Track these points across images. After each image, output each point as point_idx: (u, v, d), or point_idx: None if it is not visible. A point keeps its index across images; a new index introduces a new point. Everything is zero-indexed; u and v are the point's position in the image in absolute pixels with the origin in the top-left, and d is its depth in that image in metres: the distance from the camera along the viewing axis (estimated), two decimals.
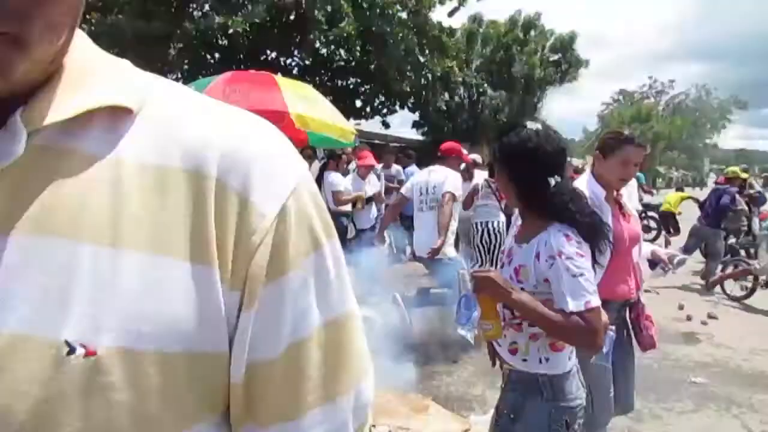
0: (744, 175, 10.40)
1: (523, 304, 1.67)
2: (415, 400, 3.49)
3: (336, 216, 6.88)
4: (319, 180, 7.09)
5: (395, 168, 9.23)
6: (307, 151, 7.33)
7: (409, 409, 3.44)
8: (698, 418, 3.79)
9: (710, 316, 6.29)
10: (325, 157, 8.12)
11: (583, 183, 2.49)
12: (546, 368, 1.70)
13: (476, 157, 8.16)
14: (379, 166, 8.79)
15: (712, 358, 5.02)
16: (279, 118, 6.17)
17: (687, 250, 8.01)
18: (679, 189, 15.36)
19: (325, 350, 0.58)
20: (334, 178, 7.02)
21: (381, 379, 3.40)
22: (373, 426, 3.30)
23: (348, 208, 7.10)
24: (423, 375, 4.05)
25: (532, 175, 1.73)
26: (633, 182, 2.70)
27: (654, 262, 2.76)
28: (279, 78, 6.96)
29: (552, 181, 1.69)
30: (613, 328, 2.29)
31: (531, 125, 1.75)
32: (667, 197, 12.96)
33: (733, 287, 7.46)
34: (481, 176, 6.77)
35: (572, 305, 1.57)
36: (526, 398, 1.72)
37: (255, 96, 6.27)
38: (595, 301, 1.59)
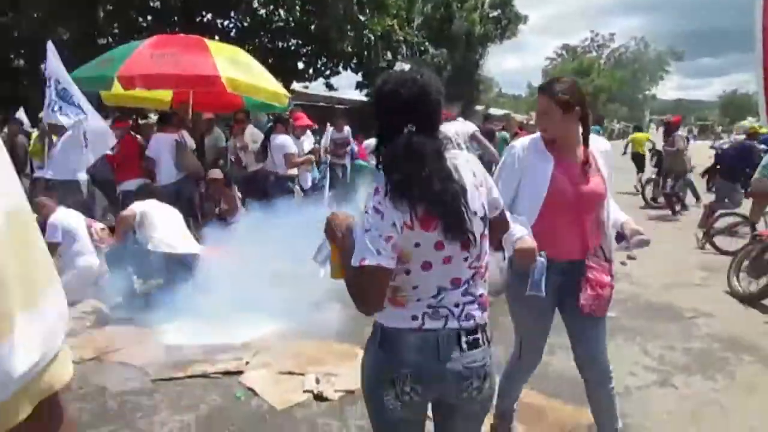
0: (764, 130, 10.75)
1: (342, 252, 1.64)
2: (343, 348, 3.69)
3: (284, 180, 6.96)
4: (265, 143, 7.10)
5: (346, 130, 9.46)
6: (240, 114, 7.31)
7: (336, 357, 3.66)
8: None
9: (629, 257, 6.75)
10: (272, 120, 8.11)
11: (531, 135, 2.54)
12: (380, 316, 1.62)
13: None
14: (330, 129, 9.09)
15: (626, 294, 5.43)
16: (210, 83, 6.17)
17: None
18: (637, 129, 15.99)
19: (16, 245, 0.51)
20: (284, 140, 7.02)
21: (311, 330, 3.61)
22: (302, 374, 3.52)
23: (295, 171, 7.19)
24: (353, 325, 4.26)
25: (383, 119, 1.60)
26: (605, 144, 2.56)
27: (621, 236, 2.55)
28: (210, 42, 6.88)
29: (405, 130, 1.52)
30: (543, 253, 2.24)
31: (399, 66, 1.67)
32: (633, 139, 13.84)
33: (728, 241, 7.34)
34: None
35: (353, 259, 1.51)
36: (369, 341, 1.70)
37: (185, 60, 6.19)
38: (372, 260, 1.46)
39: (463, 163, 1.62)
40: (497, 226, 1.77)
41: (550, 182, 2.34)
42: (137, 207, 4.91)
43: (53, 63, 5.98)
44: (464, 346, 1.59)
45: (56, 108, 5.86)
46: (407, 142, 1.51)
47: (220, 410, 3.19)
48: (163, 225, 4.77)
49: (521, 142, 2.49)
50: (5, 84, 7.39)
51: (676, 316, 4.88)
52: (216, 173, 6.76)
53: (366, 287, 1.52)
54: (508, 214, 1.84)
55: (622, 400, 3.29)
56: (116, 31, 13.05)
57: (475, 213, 1.57)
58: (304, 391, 3.32)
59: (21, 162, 8.01)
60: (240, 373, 3.60)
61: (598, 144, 2.48)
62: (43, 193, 5.42)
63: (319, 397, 3.27)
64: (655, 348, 4.15)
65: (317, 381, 3.41)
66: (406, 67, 1.61)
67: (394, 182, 1.50)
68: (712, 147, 15.12)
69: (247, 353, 3.88)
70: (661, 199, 11.04)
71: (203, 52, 6.38)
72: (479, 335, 1.63)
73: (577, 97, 2.33)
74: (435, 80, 1.59)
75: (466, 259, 1.58)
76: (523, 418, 3.01)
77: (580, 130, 2.40)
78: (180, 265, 4.64)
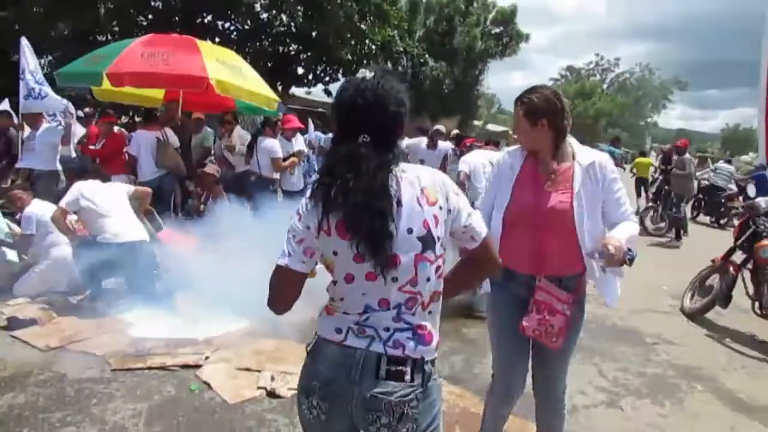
0: None
1: None
2: (304, 348, 3.76)
3: (266, 181, 7.06)
4: (252, 144, 7.20)
5: None
6: (228, 116, 7.42)
7: (296, 356, 3.72)
8: None
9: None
10: (261, 123, 8.22)
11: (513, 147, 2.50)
12: (317, 322, 1.61)
13: (440, 127, 9.25)
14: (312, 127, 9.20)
15: (593, 316, 5.48)
16: (198, 84, 6.28)
17: None
18: (642, 154, 16.29)
19: None
20: (271, 144, 7.12)
21: (274, 329, 3.66)
22: (258, 371, 3.61)
23: (277, 175, 7.29)
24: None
25: (339, 126, 1.53)
26: (594, 156, 2.34)
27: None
28: (201, 43, 7.00)
29: (360, 139, 1.45)
30: None
31: (362, 72, 1.53)
32: (637, 163, 14.05)
33: None
34: (446, 145, 8.61)
35: None
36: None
37: (175, 60, 6.31)
38: (281, 261, 1.50)
39: (412, 178, 1.50)
40: (480, 259, 1.63)
41: (512, 193, 2.33)
42: (70, 197, 4.72)
43: (28, 56, 6.22)
44: (381, 373, 1.47)
45: (37, 94, 6.10)
46: (351, 152, 1.44)
47: (173, 401, 3.28)
48: (108, 212, 4.71)
49: (501, 155, 2.51)
50: (4, 79, 7.56)
51: (638, 340, 4.95)
52: (211, 168, 6.82)
53: (273, 287, 1.54)
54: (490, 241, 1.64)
55: (567, 418, 3.37)
56: (116, 28, 13.17)
57: (410, 230, 1.46)
58: (258, 388, 3.41)
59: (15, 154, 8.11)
60: (198, 366, 3.69)
61: (583, 157, 2.31)
62: (19, 185, 5.52)
63: (271, 394, 3.36)
64: (610, 370, 4.21)
65: (272, 378, 3.50)
66: (369, 74, 1.51)
67: (317, 187, 1.47)
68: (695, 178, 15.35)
69: (208, 348, 3.97)
70: (651, 226, 10.98)
71: (194, 53, 6.50)
72: (406, 369, 1.48)
73: (545, 109, 2.22)
74: (396, 91, 1.51)
75: (394, 280, 1.47)
76: (466, 427, 3.10)
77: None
78: (129, 253, 4.64)
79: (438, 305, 1.57)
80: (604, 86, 56.07)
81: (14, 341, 4.05)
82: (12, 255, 5.15)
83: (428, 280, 1.50)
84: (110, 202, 4.80)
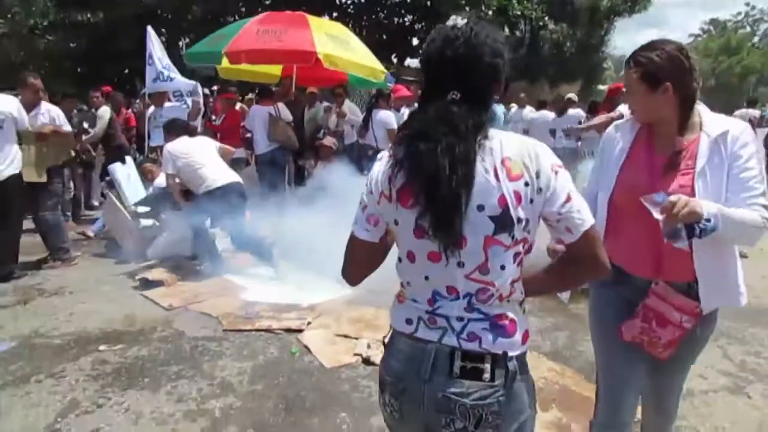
0: None
1: None
2: (382, 340, 3.82)
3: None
4: (367, 119, 7.29)
5: None
6: (338, 89, 7.57)
7: None
8: None
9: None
10: (373, 96, 8.29)
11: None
12: (390, 312, 1.48)
13: (572, 95, 9.21)
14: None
15: None
16: (307, 58, 6.49)
17: None
18: None
19: None
20: (386, 116, 7.14)
21: (375, 298, 3.73)
22: (356, 338, 3.71)
23: None
24: None
25: (427, 80, 1.34)
26: (727, 125, 1.82)
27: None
28: (311, 18, 7.17)
29: (449, 97, 1.25)
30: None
31: (452, 19, 1.30)
32: None
33: None
34: (577, 112, 8.44)
35: None
36: None
37: (286, 37, 6.56)
38: (352, 227, 1.42)
39: (492, 145, 1.26)
40: (580, 257, 1.32)
41: (619, 174, 1.92)
42: (168, 162, 4.98)
43: (155, 43, 6.87)
44: (455, 370, 1.30)
45: (165, 77, 6.69)
46: (441, 112, 1.24)
47: (275, 362, 3.48)
48: (203, 163, 4.94)
49: (614, 124, 2.09)
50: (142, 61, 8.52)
51: None
52: (328, 140, 7.04)
53: (345, 255, 1.46)
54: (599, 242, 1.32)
55: (681, 403, 3.06)
56: (243, 9, 13.91)
57: (481, 207, 1.24)
58: (354, 354, 3.51)
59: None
60: (300, 331, 3.88)
61: (712, 127, 1.83)
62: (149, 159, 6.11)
63: (366, 361, 3.44)
64: (738, 353, 3.80)
65: (368, 346, 3.58)
66: (461, 21, 1.28)
67: (401, 153, 1.27)
68: None
69: (310, 314, 4.17)
70: None
71: (304, 28, 6.70)
72: (485, 366, 1.29)
73: (668, 70, 1.78)
74: (492, 40, 1.26)
75: (460, 265, 1.28)
76: (564, 405, 2.99)
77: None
78: (228, 195, 4.87)
79: (516, 293, 1.34)
80: (755, 39, 49.63)
81: (144, 300, 4.53)
82: (146, 221, 5.73)
83: (503, 268, 1.28)
84: (201, 153, 5.04)
